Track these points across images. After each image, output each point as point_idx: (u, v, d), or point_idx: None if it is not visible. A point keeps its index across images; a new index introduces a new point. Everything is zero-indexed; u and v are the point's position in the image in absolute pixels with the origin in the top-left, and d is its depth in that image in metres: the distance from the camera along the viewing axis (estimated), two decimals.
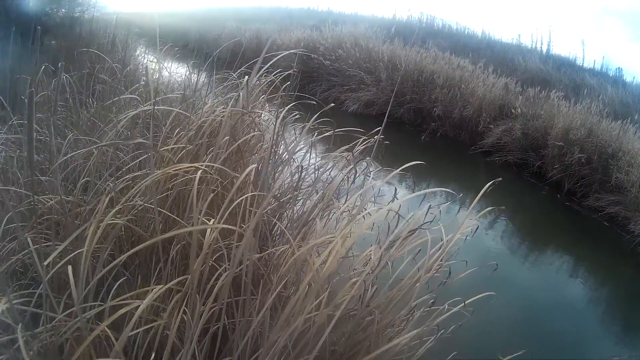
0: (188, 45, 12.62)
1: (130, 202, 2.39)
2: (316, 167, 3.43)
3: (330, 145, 3.45)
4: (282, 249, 2.36)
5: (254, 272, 2.38)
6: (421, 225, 2.46)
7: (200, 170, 2.28)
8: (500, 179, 2.41)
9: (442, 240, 2.33)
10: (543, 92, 10.91)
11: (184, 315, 2.01)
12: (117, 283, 2.10)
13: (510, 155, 10.17)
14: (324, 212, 2.82)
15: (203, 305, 2.01)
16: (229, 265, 2.13)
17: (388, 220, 2.72)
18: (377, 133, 3.23)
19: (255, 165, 2.52)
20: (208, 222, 2.07)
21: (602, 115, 9.84)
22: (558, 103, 10.31)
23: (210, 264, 2.19)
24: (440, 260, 2.56)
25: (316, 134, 3.58)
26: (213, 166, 2.44)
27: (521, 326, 4.88)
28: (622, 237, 7.92)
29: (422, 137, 10.64)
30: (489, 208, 2.48)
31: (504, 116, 10.65)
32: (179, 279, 2.05)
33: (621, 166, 8.65)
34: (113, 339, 1.80)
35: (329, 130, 3.45)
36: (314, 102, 3.60)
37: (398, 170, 2.43)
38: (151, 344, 2.01)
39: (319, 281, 1.92)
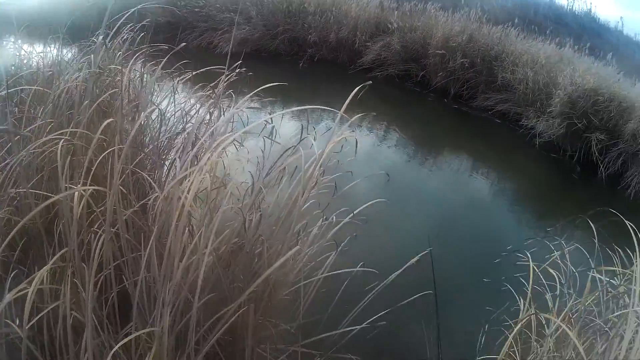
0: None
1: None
2: (182, 111, 3.28)
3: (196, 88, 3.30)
4: (154, 196, 2.22)
5: (136, 228, 2.29)
6: (297, 144, 2.38)
7: (62, 140, 2.16)
8: (371, 82, 2.30)
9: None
10: (419, 5, 11.01)
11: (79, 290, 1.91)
12: (10, 277, 1.95)
13: (391, 68, 10.26)
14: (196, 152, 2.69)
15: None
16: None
17: (262, 148, 2.66)
18: (244, 69, 3.10)
19: (111, 119, 2.38)
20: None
21: (482, 21, 10.11)
22: (435, 14, 10.48)
23: (90, 230, 2.08)
24: (322, 176, 2.51)
25: (178, 79, 3.42)
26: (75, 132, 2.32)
27: (425, 228, 4.93)
28: (515, 132, 8.32)
29: (300, 64, 10.46)
30: (360, 114, 2.37)
31: (381, 33, 10.65)
32: (60, 253, 1.93)
33: (506, 67, 9.02)
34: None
35: (191, 74, 3.32)
36: (179, 50, 3.42)
37: (258, 90, 2.32)
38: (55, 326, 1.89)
39: (185, 216, 1.81)
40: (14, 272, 2.00)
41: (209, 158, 1.97)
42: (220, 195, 2.25)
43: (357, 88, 2.22)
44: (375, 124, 8.16)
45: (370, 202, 2.61)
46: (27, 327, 1.69)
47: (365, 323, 2.50)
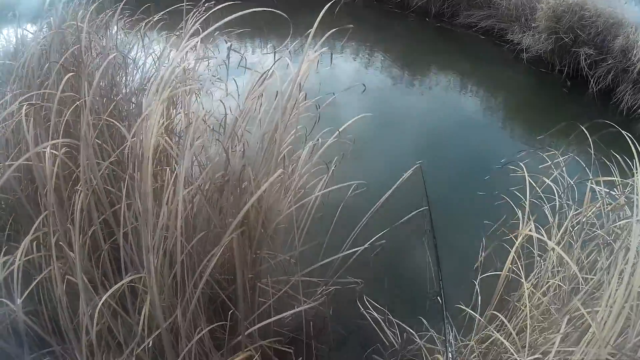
0: None
1: None
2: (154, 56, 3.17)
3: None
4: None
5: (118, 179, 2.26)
6: (272, 66, 2.28)
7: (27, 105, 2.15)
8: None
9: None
10: None
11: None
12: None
13: None
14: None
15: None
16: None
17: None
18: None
19: (71, 74, 2.32)
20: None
21: None
22: None
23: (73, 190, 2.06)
24: (303, 99, 2.43)
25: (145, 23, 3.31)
26: None
27: (415, 146, 4.95)
28: (501, 47, 8.20)
29: None
30: (334, 29, 2.26)
31: None
32: (40, 217, 1.90)
33: None
34: None
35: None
36: None
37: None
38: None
39: (151, 152, 1.75)
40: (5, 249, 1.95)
41: (170, 90, 1.89)
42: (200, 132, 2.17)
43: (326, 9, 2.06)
44: (357, 47, 8.01)
45: (355, 118, 2.53)
46: (20, 301, 1.71)
47: (365, 245, 2.48)
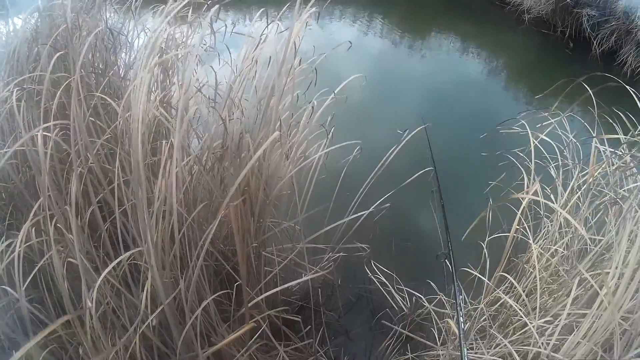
0: None
1: None
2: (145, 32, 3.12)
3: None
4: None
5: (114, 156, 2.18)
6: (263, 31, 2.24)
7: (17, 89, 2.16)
8: None
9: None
10: None
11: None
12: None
13: None
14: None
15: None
16: None
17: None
18: None
19: (61, 52, 2.32)
20: None
21: None
22: None
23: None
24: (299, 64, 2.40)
25: None
26: None
27: (418, 107, 4.94)
28: (503, 9, 8.18)
29: None
30: None
31: None
32: (38, 203, 1.85)
33: None
34: None
35: None
36: None
37: None
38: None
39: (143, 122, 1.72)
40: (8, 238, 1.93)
41: (157, 57, 1.85)
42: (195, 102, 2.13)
43: None
44: (356, 12, 7.99)
45: (349, 79, 2.49)
46: (23, 288, 1.68)
47: (371, 208, 2.45)
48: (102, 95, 2.35)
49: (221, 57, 2.74)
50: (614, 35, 7.11)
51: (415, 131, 2.55)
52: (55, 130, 1.92)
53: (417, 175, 2.58)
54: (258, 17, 2.38)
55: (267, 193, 2.17)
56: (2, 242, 1.87)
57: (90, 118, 2.23)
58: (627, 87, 2.37)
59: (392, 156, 2.50)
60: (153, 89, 2.33)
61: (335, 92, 2.47)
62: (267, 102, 2.02)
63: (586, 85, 2.48)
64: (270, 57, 2.03)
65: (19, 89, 2.17)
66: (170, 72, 2.57)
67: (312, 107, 2.48)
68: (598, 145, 2.44)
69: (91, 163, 2.03)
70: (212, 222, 1.85)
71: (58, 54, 2.26)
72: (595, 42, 7.14)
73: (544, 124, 2.63)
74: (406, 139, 2.51)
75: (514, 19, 7.86)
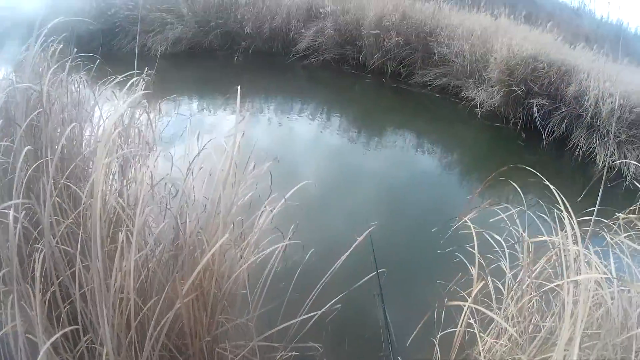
0: None
1: None
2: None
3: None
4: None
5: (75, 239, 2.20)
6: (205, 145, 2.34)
7: None
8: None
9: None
10: None
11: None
12: None
13: (327, 53, 10.28)
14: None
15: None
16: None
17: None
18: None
19: (28, 147, 2.30)
20: None
21: None
22: None
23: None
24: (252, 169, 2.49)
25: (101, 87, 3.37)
26: None
27: (370, 206, 4.97)
28: (457, 105, 8.43)
29: (235, 58, 10.34)
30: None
31: (314, 18, 10.63)
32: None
33: (441, 41, 9.11)
34: None
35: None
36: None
37: None
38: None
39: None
40: None
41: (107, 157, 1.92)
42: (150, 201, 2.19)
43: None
44: (315, 108, 8.23)
45: (298, 186, 2.56)
46: None
47: (323, 309, 2.47)
48: (68, 183, 2.39)
49: (177, 145, 2.81)
50: (565, 121, 7.40)
51: (362, 236, 2.60)
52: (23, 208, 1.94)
53: (364, 280, 2.63)
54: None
55: (221, 289, 2.19)
56: None
57: (57, 198, 2.25)
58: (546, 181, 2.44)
59: (342, 260, 2.54)
60: (114, 177, 2.39)
61: (286, 197, 2.53)
62: (218, 205, 2.09)
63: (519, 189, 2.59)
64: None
65: None
66: (129, 163, 2.63)
67: (268, 210, 2.54)
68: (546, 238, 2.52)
69: (55, 244, 2.04)
70: (167, 314, 1.87)
71: (27, 149, 2.28)
72: (546, 130, 7.42)
73: (495, 218, 2.73)
74: (356, 243, 2.56)
75: (468, 113, 8.09)
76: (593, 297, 2.01)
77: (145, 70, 3.22)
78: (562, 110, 7.46)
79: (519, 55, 7.72)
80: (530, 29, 9.25)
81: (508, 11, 10.25)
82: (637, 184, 2.83)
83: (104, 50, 3.50)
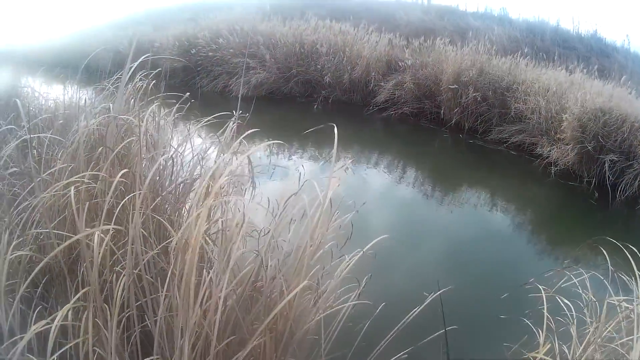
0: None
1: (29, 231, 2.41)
2: (195, 155, 3.37)
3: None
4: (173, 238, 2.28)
5: (158, 269, 2.36)
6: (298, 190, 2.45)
7: (79, 184, 2.30)
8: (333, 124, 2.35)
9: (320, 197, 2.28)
10: (427, 41, 11.10)
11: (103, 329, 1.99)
12: (35, 312, 2.06)
13: (405, 106, 10.36)
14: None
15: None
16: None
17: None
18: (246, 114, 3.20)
19: (127, 170, 2.47)
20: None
21: (490, 53, 10.23)
22: (445, 49, 10.58)
23: (112, 270, 2.17)
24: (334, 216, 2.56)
25: (192, 124, 3.55)
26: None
27: (444, 263, 4.96)
28: (532, 162, 8.30)
29: (315, 106, 10.58)
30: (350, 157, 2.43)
31: (392, 71, 10.80)
32: (83, 291, 2.01)
33: (518, 97, 9.06)
34: None
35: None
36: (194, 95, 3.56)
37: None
38: None
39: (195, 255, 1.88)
40: (37, 309, 2.09)
41: (212, 200, 2.04)
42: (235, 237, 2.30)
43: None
44: (391, 161, 8.29)
45: (376, 240, 2.61)
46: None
47: None
48: (158, 217, 2.55)
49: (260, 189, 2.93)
50: (638, 179, 7.18)
51: (430, 297, 2.64)
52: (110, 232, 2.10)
53: (429, 339, 2.65)
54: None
55: (293, 333, 2.27)
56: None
57: (142, 230, 2.39)
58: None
59: (412, 317, 2.58)
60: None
61: (364, 250, 2.59)
62: (303, 251, 2.18)
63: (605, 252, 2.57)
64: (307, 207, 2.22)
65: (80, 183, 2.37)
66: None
67: (344, 260, 2.61)
68: (615, 301, 2.50)
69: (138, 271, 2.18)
70: (239, 352, 1.97)
71: (124, 171, 2.44)
72: (619, 189, 7.21)
73: (562, 285, 2.71)
74: (428, 300, 2.60)
75: (542, 171, 7.99)
76: None
77: (240, 112, 3.37)
78: (636, 167, 7.26)
79: (590, 109, 7.62)
80: (604, 84, 9.08)
81: (582, 65, 10.21)
82: None
83: (186, 88, 3.69)
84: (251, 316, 2.26)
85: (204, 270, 2.15)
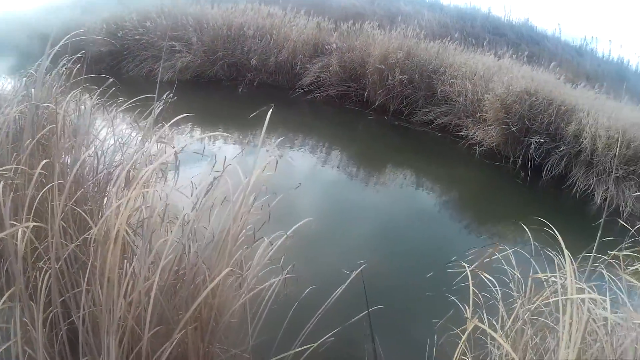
0: None
1: None
2: (119, 142, 3.27)
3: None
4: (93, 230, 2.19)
5: (80, 263, 2.27)
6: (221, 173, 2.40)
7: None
8: (273, 105, 2.33)
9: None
10: (356, 24, 11.12)
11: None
12: None
13: (330, 89, 10.39)
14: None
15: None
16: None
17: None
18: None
19: (46, 160, 2.36)
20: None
21: (419, 37, 10.32)
22: (373, 32, 10.61)
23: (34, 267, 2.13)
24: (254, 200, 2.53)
25: (113, 110, 3.44)
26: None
27: (369, 243, 4.99)
28: (457, 143, 8.50)
29: (240, 89, 10.43)
30: (281, 138, 2.40)
31: (319, 54, 10.77)
32: (8, 292, 1.91)
33: (445, 80, 9.23)
34: None
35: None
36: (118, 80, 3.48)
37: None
38: None
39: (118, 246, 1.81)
40: None
41: (135, 188, 1.97)
42: (157, 226, 2.24)
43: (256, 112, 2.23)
44: (316, 143, 8.29)
45: (301, 222, 2.60)
46: None
47: (316, 343, 2.49)
48: (76, 208, 2.44)
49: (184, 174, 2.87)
50: (564, 160, 7.50)
51: (354, 273, 2.65)
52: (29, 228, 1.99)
53: (359, 317, 2.67)
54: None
55: (218, 320, 2.23)
56: None
57: (62, 223, 2.29)
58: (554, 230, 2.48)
59: (339, 297, 2.58)
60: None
61: (288, 233, 2.56)
62: (225, 237, 2.14)
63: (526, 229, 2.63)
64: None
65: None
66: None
67: (269, 242, 2.58)
68: (541, 276, 2.55)
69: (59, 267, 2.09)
70: (165, 343, 1.91)
71: (45, 162, 2.33)
72: (545, 169, 7.52)
73: (492, 258, 2.76)
74: (350, 279, 2.60)
75: (468, 152, 8.21)
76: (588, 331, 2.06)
77: (166, 94, 3.28)
78: (562, 148, 7.56)
79: (514, 91, 7.86)
80: (532, 69, 9.41)
81: (511, 51, 10.50)
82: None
83: (111, 73, 3.58)
84: (175, 305, 2.20)
85: (126, 261, 2.07)
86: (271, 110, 2.27)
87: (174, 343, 1.99)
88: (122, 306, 1.86)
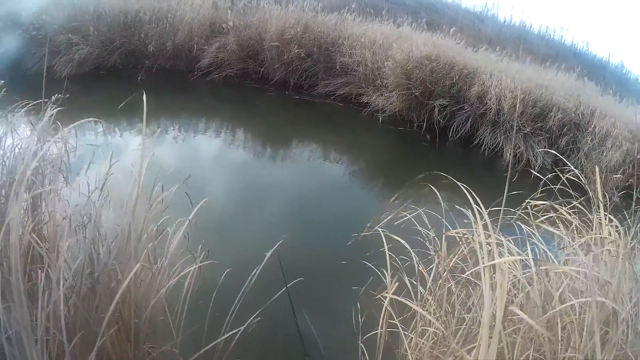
0: None
1: None
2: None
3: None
4: None
5: None
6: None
7: None
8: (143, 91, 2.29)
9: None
10: (252, 1, 10.99)
11: None
12: None
13: (229, 68, 10.24)
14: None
15: None
16: None
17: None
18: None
19: None
20: None
21: (317, 10, 10.33)
22: (269, 8, 10.49)
23: None
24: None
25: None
26: None
27: (281, 219, 5.04)
28: (360, 112, 8.65)
29: (139, 78, 10.05)
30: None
31: (216, 34, 10.57)
32: None
33: (344, 51, 9.32)
34: None
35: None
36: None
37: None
38: None
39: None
40: None
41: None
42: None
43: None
44: (217, 126, 8.19)
45: (199, 205, 2.58)
46: None
47: (243, 326, 2.50)
48: None
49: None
50: (469, 121, 7.81)
51: (271, 251, 2.69)
52: None
53: (275, 296, 2.71)
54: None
55: (140, 318, 2.20)
56: None
57: None
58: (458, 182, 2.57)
59: (256, 274, 2.60)
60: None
61: (189, 217, 2.54)
62: (128, 233, 2.11)
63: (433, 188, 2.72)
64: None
65: None
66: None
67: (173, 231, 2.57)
68: (455, 234, 2.63)
69: None
70: (91, 349, 1.87)
71: None
72: (451, 130, 7.81)
73: (405, 220, 2.83)
74: (266, 258, 2.63)
75: (371, 120, 8.36)
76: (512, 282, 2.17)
77: (56, 96, 3.14)
78: (467, 109, 7.86)
79: (414, 58, 8.04)
80: (432, 35, 9.63)
81: (410, 19, 10.68)
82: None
83: (10, 73, 3.38)
84: (96, 307, 2.15)
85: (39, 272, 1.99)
86: (159, 97, 2.21)
87: (99, 346, 1.95)
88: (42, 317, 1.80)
